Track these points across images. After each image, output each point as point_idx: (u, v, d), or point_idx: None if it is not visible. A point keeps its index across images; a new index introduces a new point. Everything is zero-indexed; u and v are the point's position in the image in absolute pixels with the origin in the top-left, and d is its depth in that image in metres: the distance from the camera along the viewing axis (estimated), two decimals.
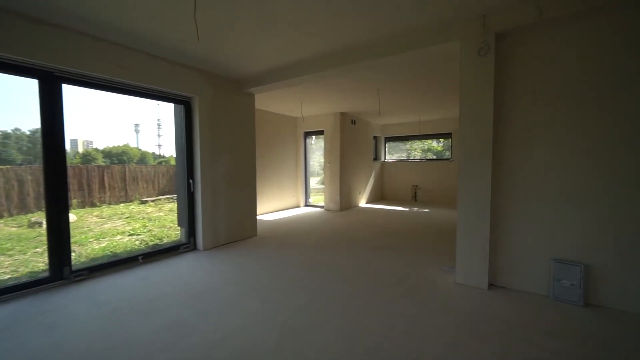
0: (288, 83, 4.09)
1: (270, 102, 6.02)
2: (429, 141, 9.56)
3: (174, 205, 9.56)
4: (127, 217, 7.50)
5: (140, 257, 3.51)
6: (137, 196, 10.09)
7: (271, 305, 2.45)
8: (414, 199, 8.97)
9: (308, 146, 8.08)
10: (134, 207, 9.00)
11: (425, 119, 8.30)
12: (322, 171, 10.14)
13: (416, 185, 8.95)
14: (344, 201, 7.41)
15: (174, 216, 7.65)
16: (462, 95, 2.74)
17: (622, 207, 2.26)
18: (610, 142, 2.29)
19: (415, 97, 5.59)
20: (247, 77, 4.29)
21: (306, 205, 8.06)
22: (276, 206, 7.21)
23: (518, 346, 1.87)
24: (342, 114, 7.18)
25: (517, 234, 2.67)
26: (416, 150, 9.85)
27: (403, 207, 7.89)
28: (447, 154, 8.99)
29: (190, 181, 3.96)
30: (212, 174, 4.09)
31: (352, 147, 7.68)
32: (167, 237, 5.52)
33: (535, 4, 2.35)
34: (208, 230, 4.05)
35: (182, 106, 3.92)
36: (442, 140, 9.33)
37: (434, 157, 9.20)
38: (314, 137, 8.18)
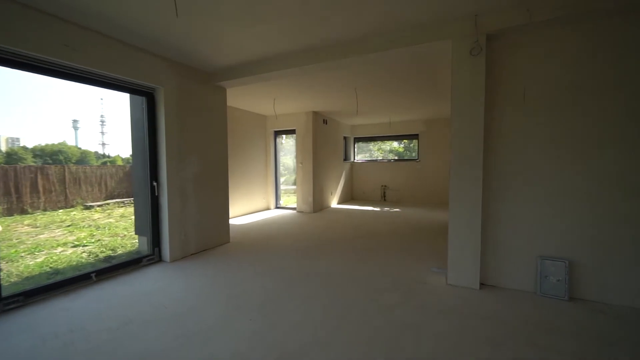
0: (264, 77, 3.79)
1: (239, 98, 5.62)
2: (389, 142, 9.79)
3: (126, 210, 8.58)
4: (68, 226, 6.52)
5: (93, 275, 2.96)
6: (80, 201, 8.89)
7: (263, 324, 2.17)
8: (383, 198, 9.11)
9: (278, 146, 7.76)
10: (77, 214, 7.89)
11: (394, 120, 8.47)
12: (286, 172, 9.86)
13: (385, 185, 9.10)
14: (317, 202, 7.24)
15: (128, 222, 6.83)
16: (454, 96, 2.72)
17: (601, 207, 2.39)
18: (589, 144, 2.41)
19: (390, 98, 5.61)
20: (219, 69, 3.90)
21: (277, 207, 7.73)
22: (246, 209, 6.79)
23: (527, 349, 1.85)
24: (315, 113, 7.00)
25: (505, 233, 2.72)
26: (379, 151, 10.02)
27: (374, 207, 7.95)
28: (409, 154, 9.26)
29: (154, 184, 3.47)
30: (180, 175, 3.64)
31: (324, 147, 7.54)
32: (122, 247, 4.86)
33: (525, 7, 2.39)
34: (176, 239, 3.59)
35: (143, 98, 3.42)
36: (403, 141, 9.62)
37: (400, 158, 9.44)
38: (284, 136, 7.89)
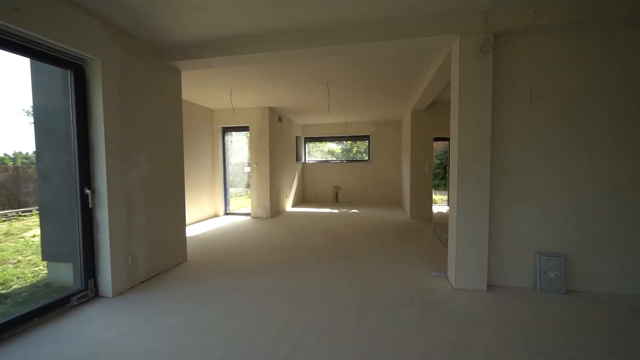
0: (238, 60, 3.16)
1: (183, 86, 4.70)
2: (326, 143, 9.69)
3: (13, 226, 6.48)
4: None
5: None
6: None
7: None
8: (335, 199, 9.01)
9: (227, 144, 6.90)
10: None
11: (345, 121, 8.42)
12: (236, 175, 8.97)
13: (337, 186, 9.01)
14: (274, 206, 6.66)
15: (19, 243, 5.10)
16: (462, 94, 2.63)
17: (592, 204, 2.59)
18: (584, 146, 2.58)
19: (356, 96, 5.45)
20: (176, 44, 3.10)
21: (226, 213, 6.86)
22: (191, 217, 5.79)
23: (561, 350, 1.80)
24: (271, 109, 6.42)
25: (506, 232, 2.75)
26: (317, 152, 9.84)
27: (330, 208, 7.75)
28: (348, 155, 9.28)
29: (87, 191, 2.52)
30: (125, 179, 2.74)
31: (279, 146, 7.00)
32: (20, 278, 3.52)
33: (532, 10, 2.42)
34: (120, 264, 2.68)
35: (68, 72, 2.44)
36: (342, 142, 9.65)
37: (352, 159, 9.49)
38: (234, 134, 7.06)
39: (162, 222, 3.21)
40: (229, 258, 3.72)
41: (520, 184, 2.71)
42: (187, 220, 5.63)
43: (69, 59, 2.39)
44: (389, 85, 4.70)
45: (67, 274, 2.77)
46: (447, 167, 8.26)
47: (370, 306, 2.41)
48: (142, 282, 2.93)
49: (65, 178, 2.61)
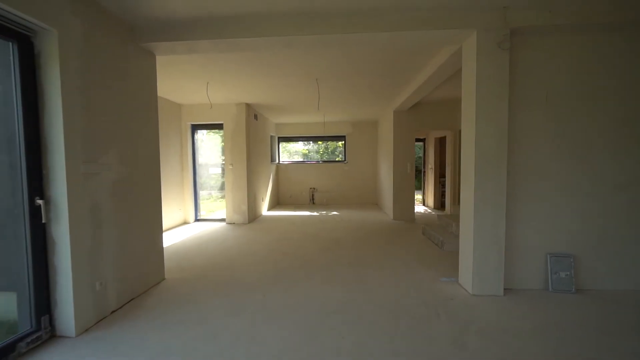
0: (221, 45, 2.73)
1: None
2: (293, 143, 9.32)
3: None
4: None
5: None
6: None
7: None
8: (311, 201, 8.71)
9: (197, 144, 6.24)
10: None
11: (320, 121, 8.18)
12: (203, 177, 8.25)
13: (314, 188, 8.73)
14: (252, 211, 6.17)
15: None
16: (479, 92, 2.52)
17: (599, 204, 2.64)
18: (595, 146, 2.62)
19: (341, 93, 5.23)
20: (150, 20, 2.57)
21: (197, 220, 6.20)
22: None
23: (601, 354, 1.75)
24: (247, 106, 5.93)
25: (518, 233, 2.71)
26: (285, 152, 9.43)
27: (309, 211, 7.44)
28: (315, 156, 9.04)
29: (40, 202, 1.93)
30: (90, 185, 2.17)
31: (255, 146, 6.53)
32: None
33: (548, 8, 2.39)
34: (86, 293, 2.12)
35: (10, 44, 1.84)
36: (310, 143, 9.37)
37: (329, 160, 9.26)
38: (205, 131, 6.42)
39: (137, 236, 2.66)
40: (213, 273, 3.24)
41: (532, 183, 2.68)
42: None
43: (12, 27, 1.80)
44: (380, 83, 4.56)
45: (12, 309, 2.12)
46: (423, 170, 8.45)
47: (396, 322, 2.17)
48: (113, 311, 2.36)
49: (7, 185, 1.98)
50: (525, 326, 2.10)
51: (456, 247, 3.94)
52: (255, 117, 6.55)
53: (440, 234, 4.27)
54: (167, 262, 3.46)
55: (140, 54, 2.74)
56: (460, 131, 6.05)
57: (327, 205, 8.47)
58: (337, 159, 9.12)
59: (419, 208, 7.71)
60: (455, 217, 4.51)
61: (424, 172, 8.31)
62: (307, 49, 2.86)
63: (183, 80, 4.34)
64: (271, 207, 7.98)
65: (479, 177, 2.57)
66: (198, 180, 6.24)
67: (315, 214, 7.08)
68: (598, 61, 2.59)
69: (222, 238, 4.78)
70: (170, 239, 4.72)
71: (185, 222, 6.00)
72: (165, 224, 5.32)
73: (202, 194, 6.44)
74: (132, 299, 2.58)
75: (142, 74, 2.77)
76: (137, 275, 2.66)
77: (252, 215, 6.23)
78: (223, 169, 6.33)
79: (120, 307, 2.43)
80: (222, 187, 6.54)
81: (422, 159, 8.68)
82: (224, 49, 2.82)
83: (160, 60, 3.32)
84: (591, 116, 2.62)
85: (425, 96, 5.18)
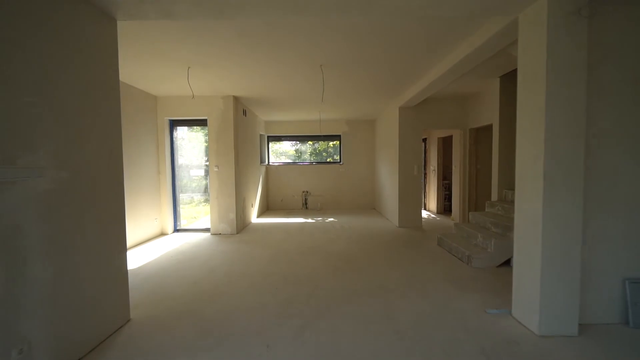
0: (205, 4, 2.02)
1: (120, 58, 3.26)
2: (280, 143, 8.56)
3: None
4: None
5: None
6: None
7: None
8: (304, 206, 8.02)
9: (177, 142, 5.42)
10: None
11: (314, 119, 7.50)
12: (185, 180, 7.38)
13: (307, 191, 8.04)
14: (240, 220, 5.41)
15: None
16: (550, 77, 1.94)
17: None
18: None
19: (343, 86, 4.60)
20: None
21: (176, 230, 5.36)
22: (129, 240, 4.24)
23: None
24: (235, 99, 5.18)
25: (589, 254, 2.15)
26: (272, 154, 8.66)
27: (303, 217, 6.75)
28: (302, 158, 8.34)
29: None
30: (3, 200, 1.41)
31: (244, 146, 5.78)
32: None
33: None
34: None
35: None
36: (297, 143, 8.63)
37: (321, 161, 8.57)
38: (185, 128, 5.60)
39: (87, 267, 1.89)
40: (197, 307, 2.51)
41: (603, 192, 2.14)
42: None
43: None
44: (387, 75, 3.99)
45: None
46: (424, 172, 7.93)
47: None
48: None
49: None
50: None
51: (487, 263, 3.39)
52: (245, 112, 5.80)
53: (463, 246, 3.70)
54: (135, 293, 2.69)
55: (94, 17, 1.97)
56: (470, 130, 5.59)
57: (321, 210, 7.81)
58: (329, 160, 8.45)
59: (424, 213, 7.18)
60: (479, 227, 3.97)
61: (426, 174, 7.81)
62: (320, 14, 2.17)
63: (157, 64, 3.54)
64: (261, 212, 7.22)
65: (549, 188, 1.98)
66: (178, 183, 5.42)
67: (310, 220, 6.40)
68: None
69: (207, 255, 4.01)
70: (142, 257, 3.90)
71: (163, 234, 5.15)
72: (139, 236, 4.49)
73: (182, 197, 5.61)
74: (85, 355, 1.81)
75: (97, 44, 2.01)
76: (87, 324, 1.89)
77: (241, 224, 5.47)
78: (207, 171, 5.54)
79: None
80: (205, 190, 5.73)
81: (424, 160, 8.17)
82: (209, 13, 2.09)
83: (127, 33, 2.57)
84: None
85: (442, 91, 4.63)
